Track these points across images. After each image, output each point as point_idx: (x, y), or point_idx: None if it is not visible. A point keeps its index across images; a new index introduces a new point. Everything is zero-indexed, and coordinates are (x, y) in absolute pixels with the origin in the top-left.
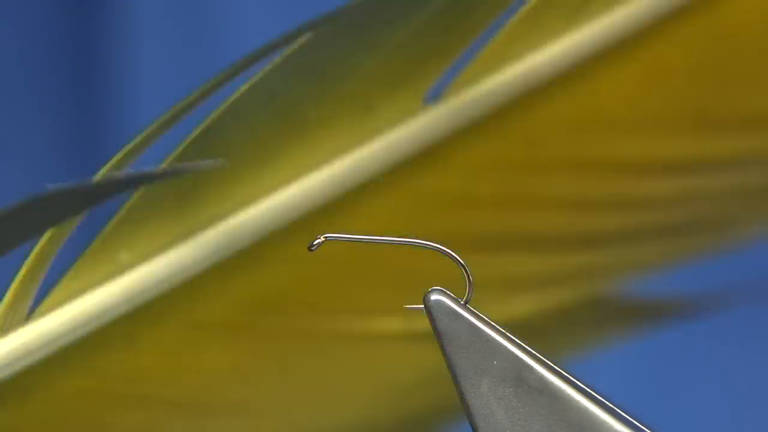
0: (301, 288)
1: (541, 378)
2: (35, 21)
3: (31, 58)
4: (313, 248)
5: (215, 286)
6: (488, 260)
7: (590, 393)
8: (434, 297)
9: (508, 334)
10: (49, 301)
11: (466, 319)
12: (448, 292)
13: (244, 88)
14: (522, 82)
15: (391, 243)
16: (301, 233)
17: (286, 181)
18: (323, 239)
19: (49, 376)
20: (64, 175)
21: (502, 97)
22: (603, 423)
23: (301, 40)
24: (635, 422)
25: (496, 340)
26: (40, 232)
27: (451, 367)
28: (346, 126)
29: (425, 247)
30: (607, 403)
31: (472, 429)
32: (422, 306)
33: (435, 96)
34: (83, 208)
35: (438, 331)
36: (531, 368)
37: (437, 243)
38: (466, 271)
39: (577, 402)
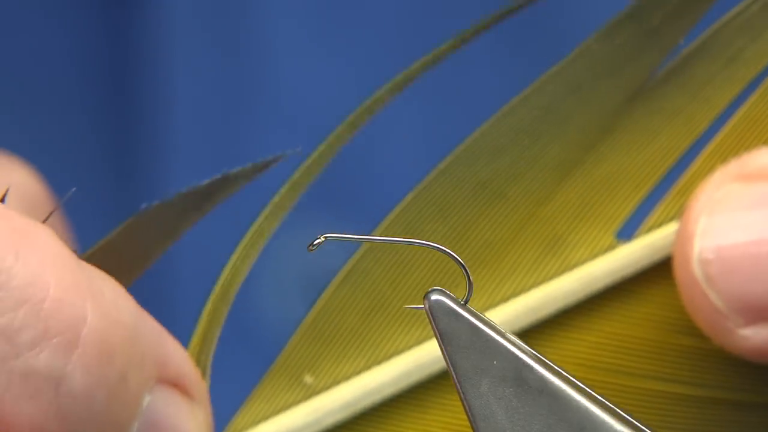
0: None
1: (541, 378)
2: (74, 32)
3: (71, 69)
4: (313, 248)
5: (410, 415)
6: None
7: (590, 393)
8: (434, 297)
9: (508, 334)
10: (236, 424)
11: (466, 319)
12: (448, 292)
13: (410, 197)
14: None
15: (391, 243)
16: None
17: (481, 308)
18: (323, 239)
19: None
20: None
21: None
22: (603, 423)
23: (470, 155)
24: (635, 422)
25: (496, 340)
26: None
27: (451, 368)
28: (533, 254)
29: (425, 246)
30: (607, 403)
31: (473, 429)
32: (422, 306)
33: (628, 232)
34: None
35: (438, 331)
36: (531, 368)
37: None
38: (466, 271)
39: (577, 402)
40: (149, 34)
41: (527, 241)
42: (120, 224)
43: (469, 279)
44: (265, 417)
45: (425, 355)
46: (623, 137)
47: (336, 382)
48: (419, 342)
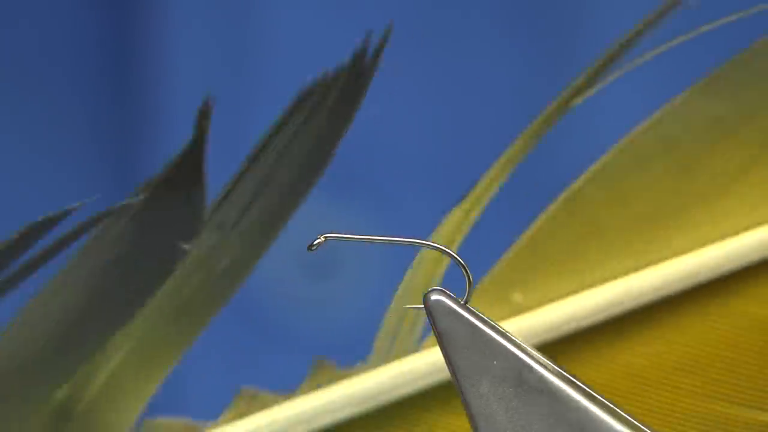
0: (710, 366)
1: (541, 378)
2: (73, 29)
3: (72, 64)
4: (313, 248)
5: (614, 344)
6: None
7: (590, 393)
8: (434, 297)
9: (508, 334)
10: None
11: (466, 319)
12: (448, 292)
13: (639, 129)
14: None
15: (391, 243)
16: (693, 306)
17: (690, 246)
18: (323, 239)
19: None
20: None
21: None
22: (603, 423)
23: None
24: (635, 422)
25: (496, 340)
26: None
27: (451, 367)
28: (753, 198)
29: (425, 246)
30: (607, 402)
31: (473, 429)
32: (422, 306)
33: None
34: None
35: (438, 331)
36: (531, 368)
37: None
38: (466, 271)
39: (577, 402)
40: (150, 29)
41: (749, 183)
42: None
43: (469, 279)
44: None
45: (636, 286)
46: None
47: (544, 303)
48: (635, 269)
